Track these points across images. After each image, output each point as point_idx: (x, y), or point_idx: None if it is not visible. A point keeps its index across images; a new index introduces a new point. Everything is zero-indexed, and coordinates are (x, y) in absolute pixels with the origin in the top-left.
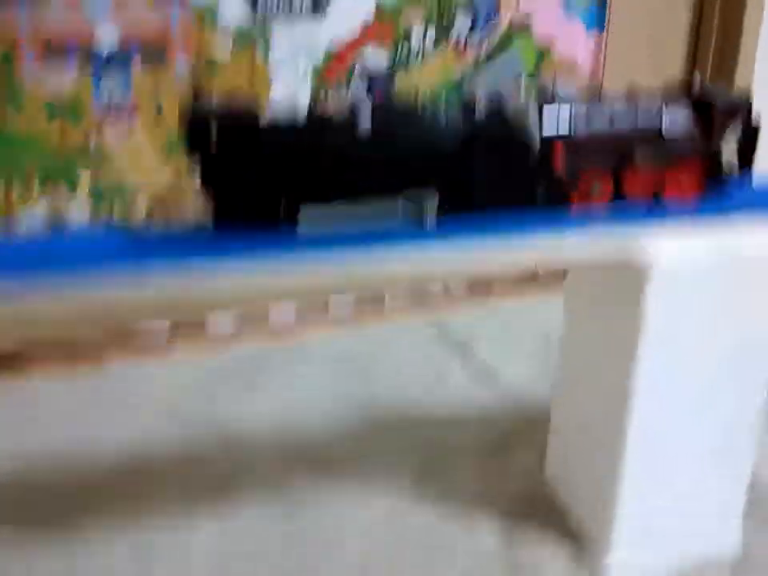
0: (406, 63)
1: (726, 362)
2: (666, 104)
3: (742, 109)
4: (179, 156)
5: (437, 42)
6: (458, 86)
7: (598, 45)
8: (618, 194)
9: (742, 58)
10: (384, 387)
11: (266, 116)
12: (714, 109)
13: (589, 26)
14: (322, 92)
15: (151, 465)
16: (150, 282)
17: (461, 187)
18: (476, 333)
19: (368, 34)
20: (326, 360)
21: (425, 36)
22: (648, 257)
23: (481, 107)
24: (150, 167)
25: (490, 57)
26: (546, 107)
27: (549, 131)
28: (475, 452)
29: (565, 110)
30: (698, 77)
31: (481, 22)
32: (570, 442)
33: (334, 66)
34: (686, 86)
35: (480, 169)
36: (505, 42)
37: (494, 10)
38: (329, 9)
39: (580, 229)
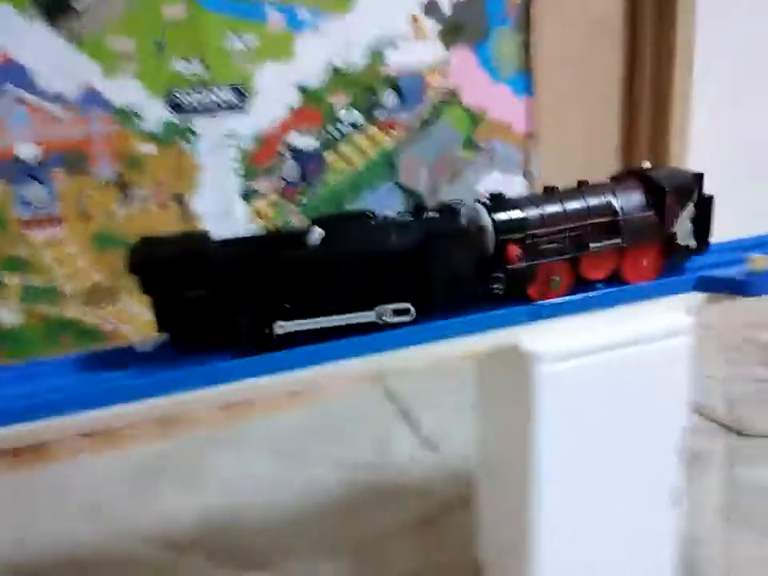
0: (335, 143)
1: (629, 444)
2: (618, 191)
3: (693, 189)
4: (108, 255)
5: (365, 121)
6: (390, 160)
7: (529, 108)
8: (578, 282)
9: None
10: (325, 463)
11: (215, 246)
12: (665, 192)
13: (518, 92)
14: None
15: (79, 568)
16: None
17: (418, 290)
18: (424, 395)
19: (296, 118)
20: (267, 437)
21: (352, 116)
22: (533, 347)
23: (431, 210)
24: (79, 269)
25: (421, 129)
26: (497, 208)
27: (502, 229)
28: (411, 530)
29: (516, 209)
30: (647, 161)
31: (409, 99)
32: (492, 516)
33: (263, 150)
34: (637, 170)
35: (435, 270)
36: (435, 114)
37: (421, 87)
38: (253, 99)
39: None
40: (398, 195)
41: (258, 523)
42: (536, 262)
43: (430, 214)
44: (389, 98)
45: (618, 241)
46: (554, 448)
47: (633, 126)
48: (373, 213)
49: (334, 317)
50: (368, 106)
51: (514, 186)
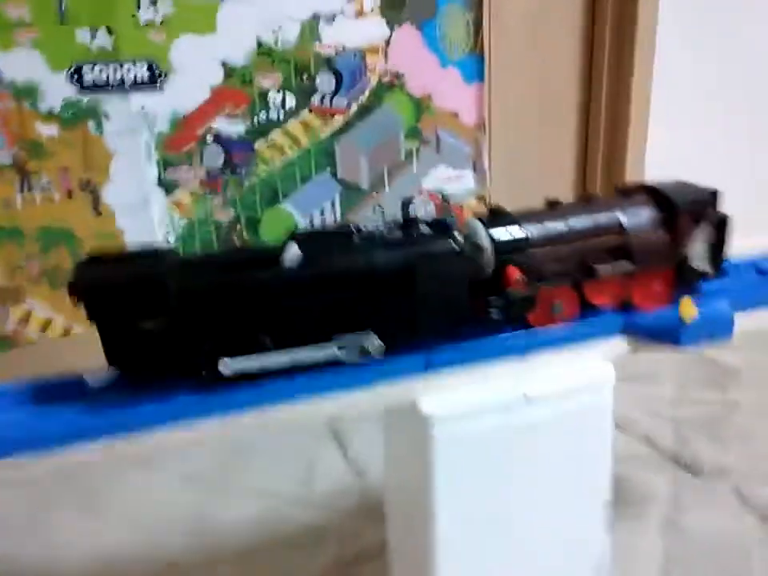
0: (265, 128)
1: (543, 508)
2: (627, 208)
3: (708, 207)
4: (6, 249)
5: (298, 105)
6: (326, 149)
7: (480, 96)
8: (584, 307)
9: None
10: (243, 492)
11: (174, 268)
12: (678, 210)
13: (468, 78)
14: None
15: None
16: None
17: (404, 317)
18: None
19: (219, 99)
20: (180, 458)
21: (283, 99)
22: (429, 407)
23: (422, 226)
24: None
25: (361, 115)
26: (495, 225)
27: (501, 249)
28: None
29: (516, 226)
30: (658, 180)
31: (347, 82)
32: (401, 571)
33: (182, 135)
34: (646, 184)
35: (424, 295)
36: (376, 99)
37: (361, 69)
38: (169, 77)
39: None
40: (336, 188)
41: (159, 563)
42: (538, 286)
43: (422, 228)
44: (325, 80)
45: (628, 265)
46: (455, 511)
47: (591, 118)
48: (357, 228)
49: (289, 353)
50: (301, 89)
51: (463, 181)
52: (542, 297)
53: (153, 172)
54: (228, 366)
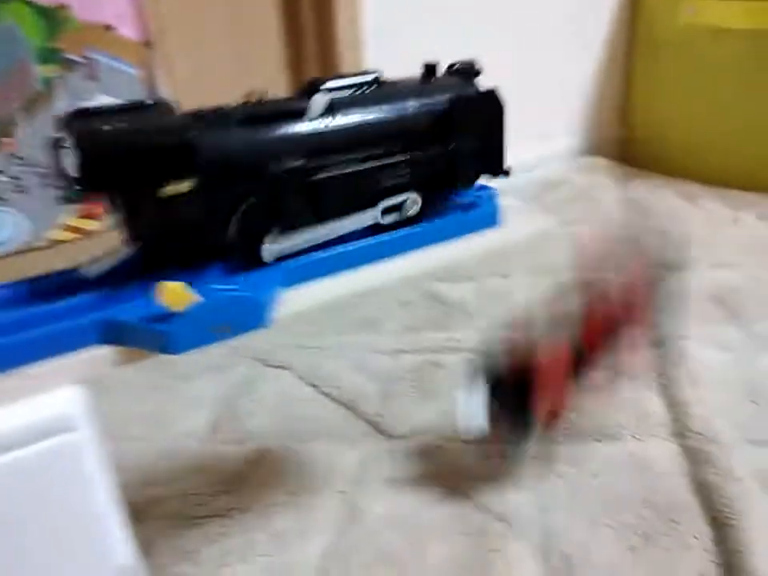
0: None
1: None
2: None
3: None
4: None
5: None
6: None
7: (141, 5)
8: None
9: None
10: None
11: (190, 121)
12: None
13: None
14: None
15: None
16: None
17: (445, 166)
18: None
19: None
20: None
21: None
22: None
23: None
24: None
25: None
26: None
27: None
28: None
29: None
30: None
31: None
32: None
33: None
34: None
35: (466, 140)
36: None
37: None
38: None
39: None
40: None
41: None
42: None
43: (444, 76)
44: None
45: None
46: None
47: (297, 16)
48: (379, 77)
49: (328, 227)
50: None
51: None
52: None
53: None
54: (271, 251)
